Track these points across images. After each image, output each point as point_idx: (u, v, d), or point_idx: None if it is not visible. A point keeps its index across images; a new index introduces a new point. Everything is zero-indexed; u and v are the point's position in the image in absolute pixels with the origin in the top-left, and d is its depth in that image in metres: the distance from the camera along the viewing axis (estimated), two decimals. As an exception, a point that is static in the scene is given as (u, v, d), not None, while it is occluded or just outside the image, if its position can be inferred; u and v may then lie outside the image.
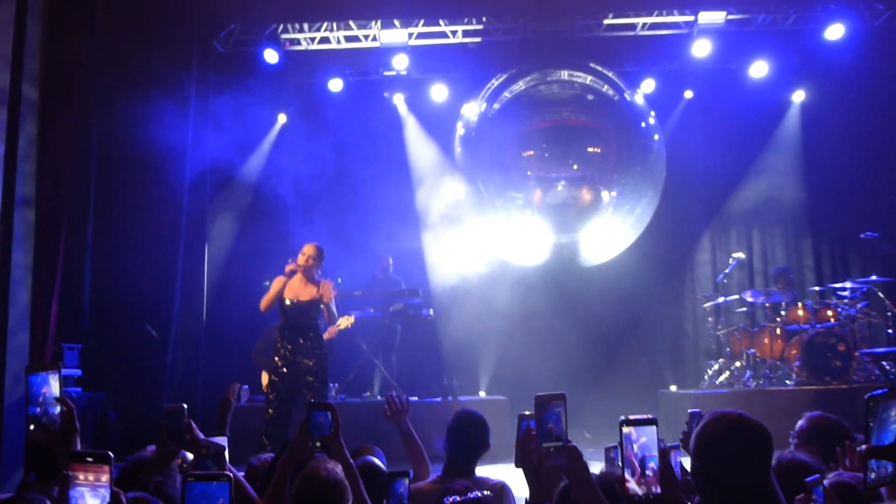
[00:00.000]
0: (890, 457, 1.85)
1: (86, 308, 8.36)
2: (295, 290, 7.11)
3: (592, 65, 11.04)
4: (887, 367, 8.72)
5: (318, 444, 2.82)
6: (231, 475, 2.27)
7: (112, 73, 8.81)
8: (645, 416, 2.31)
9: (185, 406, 3.03)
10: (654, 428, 2.30)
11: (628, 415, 2.33)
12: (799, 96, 11.91)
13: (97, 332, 8.47)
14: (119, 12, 8.87)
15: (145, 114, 8.56)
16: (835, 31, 10.44)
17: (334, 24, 10.87)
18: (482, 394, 10.73)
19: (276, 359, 7.07)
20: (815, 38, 10.80)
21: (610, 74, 11.02)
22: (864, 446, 1.92)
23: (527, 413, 2.60)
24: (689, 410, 3.43)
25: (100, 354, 8.47)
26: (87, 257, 8.40)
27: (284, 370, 7.01)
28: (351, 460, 2.85)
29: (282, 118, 11.96)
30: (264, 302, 7.14)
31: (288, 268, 7.08)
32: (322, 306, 7.10)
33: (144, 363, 8.69)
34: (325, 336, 8.04)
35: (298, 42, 11.10)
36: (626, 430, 2.29)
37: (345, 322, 8.63)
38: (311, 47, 11.17)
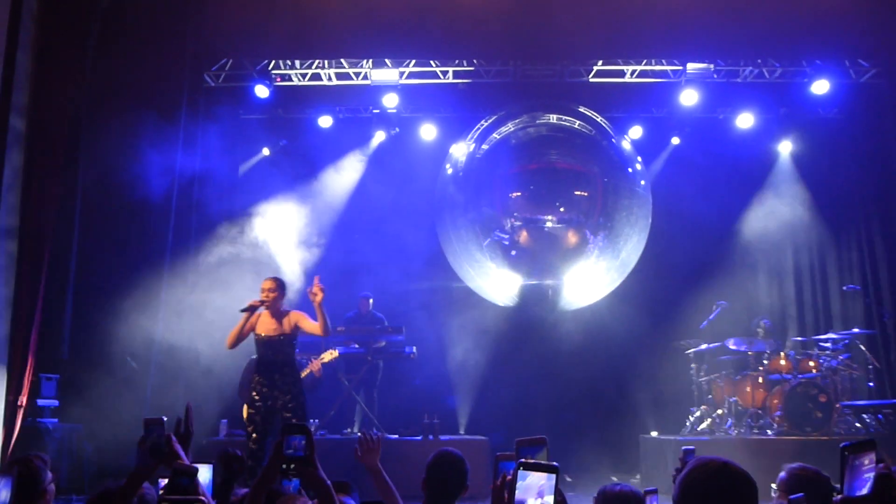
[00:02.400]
0: None
1: (66, 338, 8.28)
2: (265, 325, 7.05)
3: (581, 109, 11.15)
4: (868, 420, 8.73)
5: (292, 466, 2.78)
6: (204, 499, 2.24)
7: (102, 106, 8.83)
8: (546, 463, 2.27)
9: (165, 419, 3.00)
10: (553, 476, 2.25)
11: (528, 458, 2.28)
12: (785, 148, 12.07)
13: (76, 362, 8.37)
14: (111, 45, 8.90)
15: (133, 146, 8.57)
16: (820, 87, 10.61)
17: (326, 62, 10.94)
18: (462, 432, 10.69)
19: (254, 393, 7.00)
20: (800, 92, 10.98)
21: (598, 119, 11.13)
22: (839, 496, 1.92)
23: (504, 455, 2.58)
24: (683, 447, 3.41)
25: (78, 385, 8.36)
26: (69, 288, 8.34)
27: (259, 404, 6.95)
28: (327, 481, 2.82)
29: (265, 151, 11.97)
30: (229, 339, 7.05)
31: (249, 303, 6.99)
32: (295, 341, 7.06)
33: (123, 395, 8.58)
34: (310, 370, 8.00)
35: (290, 78, 11.17)
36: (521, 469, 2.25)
37: (328, 356, 8.59)
38: (303, 83, 11.23)
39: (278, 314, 7.07)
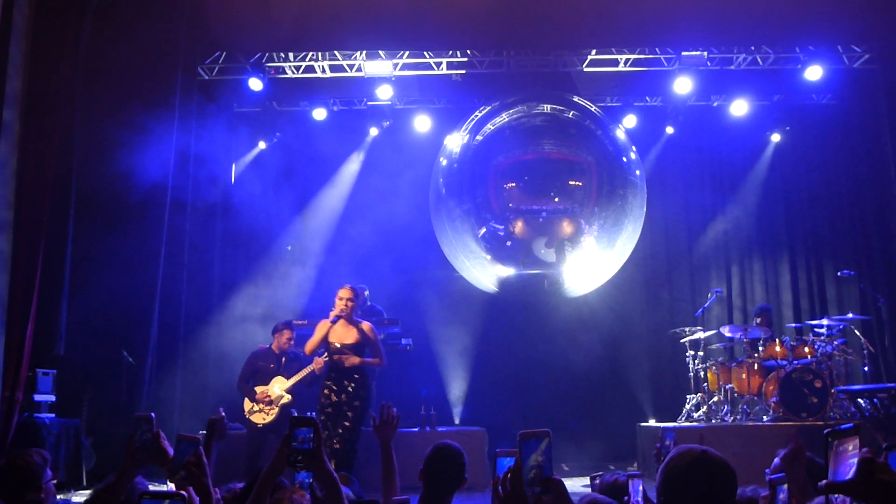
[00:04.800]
0: (847, 492, 1.87)
1: (62, 334, 8.27)
2: (339, 334, 7.32)
3: (575, 99, 11.15)
4: (863, 405, 8.77)
5: (300, 458, 2.80)
6: (185, 495, 2.26)
7: (95, 99, 8.80)
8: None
9: (154, 415, 3.00)
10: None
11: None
12: (779, 134, 12.09)
13: (73, 358, 8.37)
14: (104, 37, 8.88)
15: (127, 140, 8.55)
16: (813, 72, 10.62)
17: (319, 54, 10.92)
18: (457, 422, 10.75)
19: (323, 399, 7.29)
20: (794, 78, 10.99)
21: (592, 109, 11.14)
22: (824, 481, 1.94)
23: (504, 451, 2.60)
24: (662, 426, 3.45)
25: (75, 381, 8.35)
26: (65, 283, 8.33)
27: (329, 410, 7.23)
28: (334, 473, 2.85)
29: (262, 145, 11.97)
30: (309, 346, 7.39)
31: (332, 314, 7.26)
32: (366, 349, 7.34)
33: (120, 390, 8.59)
34: (313, 367, 8.01)
35: (283, 70, 11.15)
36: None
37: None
38: (296, 76, 11.21)
39: (351, 323, 7.34)
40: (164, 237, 9.14)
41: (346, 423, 7.14)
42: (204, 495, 2.76)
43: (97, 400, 8.50)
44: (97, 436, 8.27)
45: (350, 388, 7.26)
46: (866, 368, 9.49)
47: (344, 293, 7.34)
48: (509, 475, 2.27)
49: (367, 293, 10.66)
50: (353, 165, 12.12)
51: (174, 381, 9.45)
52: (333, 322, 7.32)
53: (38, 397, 7.76)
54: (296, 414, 8.27)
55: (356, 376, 7.31)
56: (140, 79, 9.13)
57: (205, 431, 3.09)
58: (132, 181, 8.63)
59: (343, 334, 7.32)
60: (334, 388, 7.28)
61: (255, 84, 10.71)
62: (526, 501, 2.24)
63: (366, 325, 7.36)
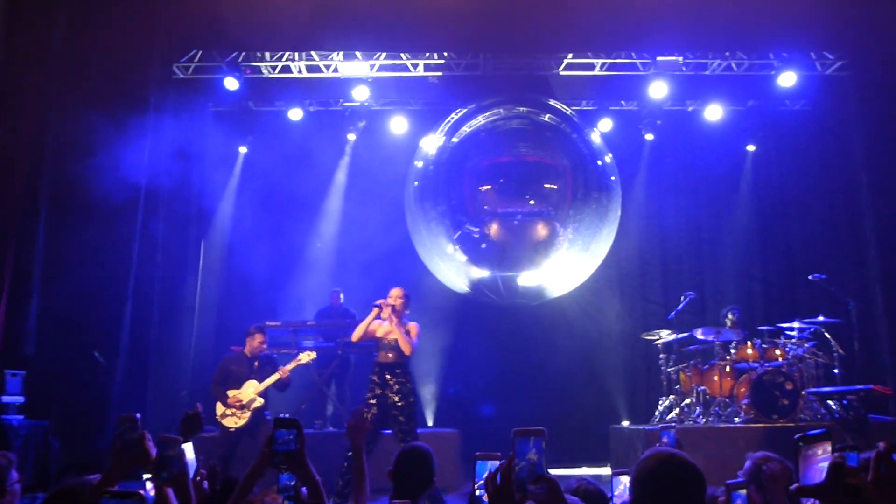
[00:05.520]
0: (816, 495, 1.90)
1: (32, 334, 8.17)
2: (387, 329, 7.53)
3: (551, 102, 11.19)
4: (833, 406, 8.86)
5: (283, 460, 2.80)
6: (142, 495, 2.25)
7: (68, 95, 8.71)
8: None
9: (139, 416, 2.97)
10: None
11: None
12: (752, 140, 12.21)
13: (42, 358, 8.27)
14: (78, 33, 8.80)
15: (101, 137, 8.46)
16: (787, 79, 10.74)
17: (296, 54, 10.88)
18: (431, 423, 10.75)
19: (368, 393, 7.47)
20: (768, 84, 11.10)
21: (568, 112, 11.18)
22: (794, 486, 1.97)
23: (483, 454, 2.60)
24: (660, 426, 3.50)
25: (44, 381, 8.27)
26: (35, 282, 8.23)
27: (373, 402, 7.38)
28: (317, 476, 2.84)
29: (241, 149, 11.90)
30: (356, 333, 7.57)
31: (383, 304, 7.46)
32: (405, 341, 7.44)
33: (90, 391, 8.50)
34: (278, 375, 8.01)
35: (260, 70, 11.10)
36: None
37: (306, 357, 8.55)
38: (273, 76, 11.16)
39: (400, 321, 7.53)
40: (137, 236, 9.06)
41: (402, 419, 7.32)
42: (184, 496, 2.74)
43: (67, 401, 8.40)
44: (66, 438, 8.17)
45: (391, 383, 7.42)
46: (836, 371, 9.59)
47: (397, 292, 7.60)
48: (499, 472, 2.27)
49: (341, 296, 10.65)
50: (328, 166, 12.08)
51: (146, 381, 9.36)
52: (379, 315, 7.52)
53: (6, 399, 7.67)
54: (269, 417, 8.25)
55: (398, 371, 7.48)
56: (115, 75, 9.04)
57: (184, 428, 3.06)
58: (105, 179, 8.53)
59: (391, 329, 7.50)
60: (377, 381, 7.47)
61: (231, 83, 10.65)
62: (513, 498, 2.25)
63: (413, 326, 7.58)
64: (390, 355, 7.48)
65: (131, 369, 9.06)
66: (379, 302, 7.50)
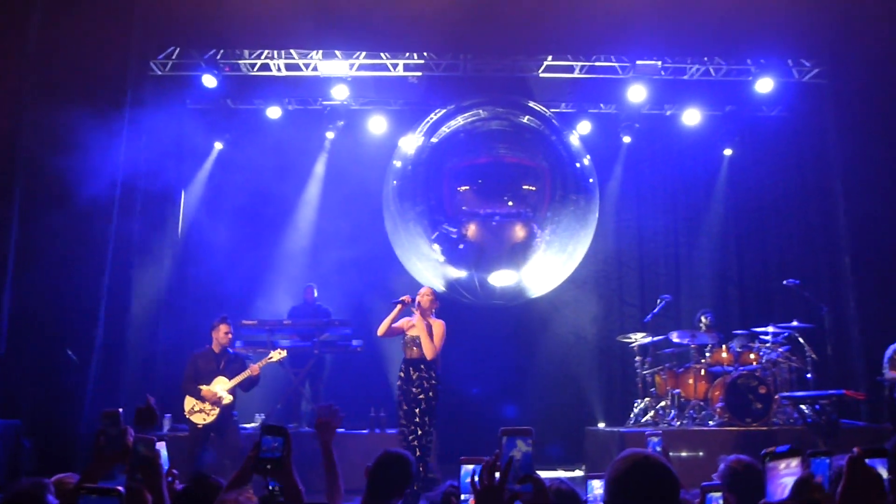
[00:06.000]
0: None
1: (3, 331, 8.06)
2: (412, 324, 7.74)
3: (530, 104, 11.21)
4: (805, 411, 8.94)
5: (268, 466, 2.80)
6: (120, 490, 2.23)
7: (43, 91, 8.61)
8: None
9: (122, 411, 2.94)
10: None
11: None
12: (729, 145, 12.31)
13: (14, 356, 8.16)
14: (54, 28, 8.69)
15: (76, 134, 8.35)
16: (764, 85, 10.83)
17: (275, 52, 10.82)
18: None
19: (398, 390, 7.73)
20: (745, 90, 11.19)
21: (547, 114, 11.21)
22: (761, 502, 1.99)
23: (468, 458, 2.60)
24: (647, 431, 3.55)
25: (16, 380, 8.16)
26: (7, 278, 8.12)
27: (401, 397, 7.66)
28: (300, 485, 2.84)
29: (218, 145, 11.82)
30: (381, 328, 7.75)
31: (402, 298, 7.71)
32: (428, 342, 7.62)
33: (63, 390, 8.39)
34: (248, 372, 7.99)
35: (238, 68, 11.02)
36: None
37: (276, 355, 8.51)
38: (251, 73, 11.09)
39: (427, 320, 7.73)
40: (112, 233, 8.96)
41: (416, 410, 7.52)
42: (157, 496, 2.72)
43: (39, 399, 8.30)
44: (38, 437, 8.07)
45: (415, 378, 7.61)
46: (809, 375, 9.68)
47: (428, 290, 7.88)
48: (485, 471, 2.27)
49: (315, 291, 10.60)
50: (306, 165, 12.04)
51: (119, 380, 9.25)
52: (403, 306, 7.72)
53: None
54: (237, 415, 8.23)
55: (422, 367, 7.63)
56: (91, 71, 8.93)
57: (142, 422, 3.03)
58: (80, 176, 8.44)
59: (418, 328, 7.67)
60: (402, 376, 7.70)
61: (209, 81, 10.57)
62: (501, 497, 2.25)
63: (439, 323, 7.74)
64: (415, 351, 7.68)
65: (104, 368, 8.95)
66: (403, 298, 7.69)
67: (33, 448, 7.99)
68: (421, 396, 7.54)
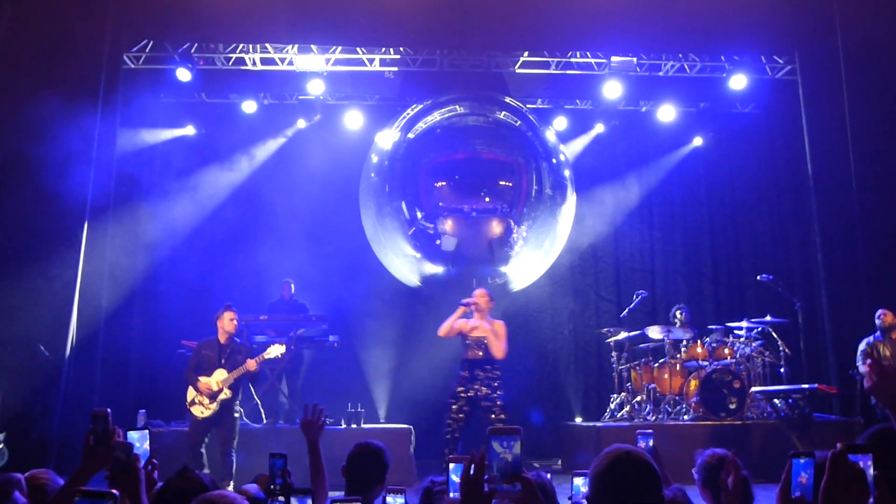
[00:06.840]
0: None
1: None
2: (474, 326, 7.95)
3: (507, 99, 11.23)
4: (779, 405, 9.02)
5: (278, 487, 3.00)
6: (115, 494, 2.20)
7: (13, 84, 8.50)
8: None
9: (110, 411, 2.90)
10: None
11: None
12: (701, 140, 12.41)
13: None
14: (24, 18, 8.58)
15: (48, 127, 8.26)
16: (738, 82, 10.91)
17: (250, 46, 10.74)
18: (383, 419, 10.76)
19: (458, 387, 7.88)
20: (719, 87, 11.27)
21: (524, 109, 11.22)
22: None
23: (457, 457, 2.61)
24: (638, 431, 3.61)
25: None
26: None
27: (463, 396, 7.81)
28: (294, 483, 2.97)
29: (191, 137, 11.74)
30: (443, 329, 8.01)
31: (467, 300, 7.95)
32: (497, 343, 7.84)
33: (35, 386, 8.29)
34: (246, 368, 7.81)
35: (213, 61, 10.93)
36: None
37: (274, 351, 8.32)
38: (226, 67, 11.01)
39: (487, 320, 7.97)
40: (84, 227, 8.86)
41: (497, 404, 7.80)
42: (134, 501, 2.69)
43: (11, 396, 8.19)
44: (10, 433, 7.97)
45: (480, 377, 7.82)
46: (783, 370, 9.77)
47: (482, 293, 8.04)
48: (472, 469, 2.27)
49: (292, 288, 10.54)
50: (281, 159, 11.97)
51: (93, 376, 9.16)
52: (467, 307, 7.94)
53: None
54: (239, 412, 8.14)
55: (487, 367, 7.86)
56: (63, 65, 8.83)
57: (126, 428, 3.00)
58: (51, 172, 8.34)
59: (479, 329, 7.89)
60: (466, 376, 7.87)
61: (183, 74, 10.49)
62: (481, 492, 2.25)
63: (499, 324, 7.95)
64: (479, 353, 7.88)
65: (78, 365, 8.86)
66: (466, 301, 7.92)
67: (5, 445, 7.89)
68: (488, 392, 7.75)
